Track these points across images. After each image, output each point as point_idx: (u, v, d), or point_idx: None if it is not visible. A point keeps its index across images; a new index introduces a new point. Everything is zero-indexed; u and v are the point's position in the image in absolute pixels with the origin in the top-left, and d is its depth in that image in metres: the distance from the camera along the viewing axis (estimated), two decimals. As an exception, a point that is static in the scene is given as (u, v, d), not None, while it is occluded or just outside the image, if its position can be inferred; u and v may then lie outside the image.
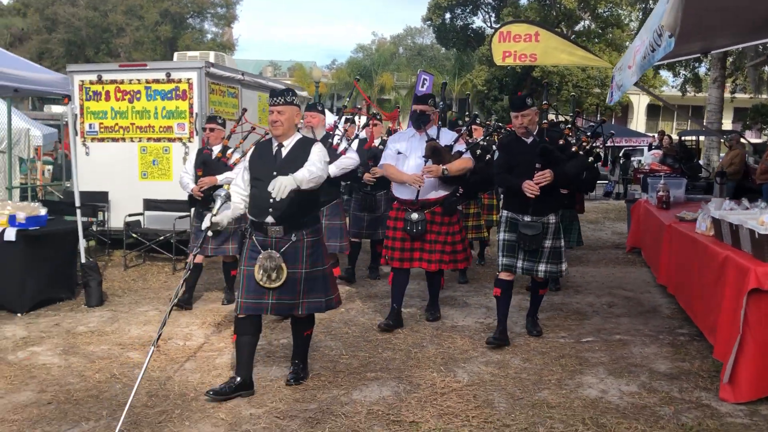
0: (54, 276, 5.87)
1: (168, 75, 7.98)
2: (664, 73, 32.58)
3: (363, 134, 6.61)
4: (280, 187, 3.52)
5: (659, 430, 3.33)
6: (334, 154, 5.62)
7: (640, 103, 37.64)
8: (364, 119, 6.90)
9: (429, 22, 37.97)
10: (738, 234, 4.21)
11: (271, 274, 3.80)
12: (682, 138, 13.89)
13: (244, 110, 6.18)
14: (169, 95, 7.98)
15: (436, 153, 4.92)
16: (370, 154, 6.36)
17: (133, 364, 4.37)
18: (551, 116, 7.13)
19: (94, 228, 7.44)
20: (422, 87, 15.22)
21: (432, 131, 5.13)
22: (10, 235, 5.45)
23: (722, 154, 15.28)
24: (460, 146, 5.19)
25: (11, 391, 3.91)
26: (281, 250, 3.84)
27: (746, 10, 4.92)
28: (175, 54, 12.22)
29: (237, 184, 4.10)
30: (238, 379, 3.85)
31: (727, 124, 23.66)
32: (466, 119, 7.40)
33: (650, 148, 15.56)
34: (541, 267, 4.74)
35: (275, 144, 3.97)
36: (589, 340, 4.95)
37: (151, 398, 3.76)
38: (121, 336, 4.99)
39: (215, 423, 3.47)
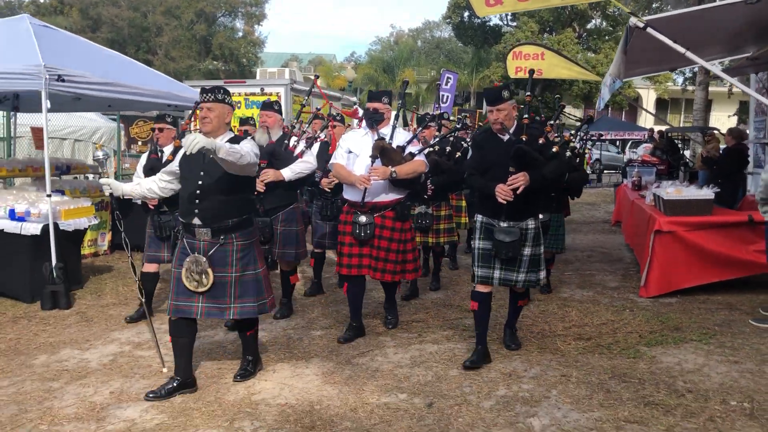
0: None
1: (262, 89, 10.60)
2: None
3: (323, 136, 6.43)
4: (192, 141, 3.37)
5: (598, 307, 5.91)
6: (290, 157, 5.35)
7: (649, 97, 39.82)
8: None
9: (449, 20, 40.49)
10: (659, 200, 6.77)
11: (197, 278, 3.83)
12: (669, 134, 16.28)
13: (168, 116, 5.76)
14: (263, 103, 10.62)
15: (384, 153, 4.65)
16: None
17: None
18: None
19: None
20: (446, 85, 17.62)
21: (386, 130, 4.86)
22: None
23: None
24: (414, 147, 4.90)
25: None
26: (209, 254, 3.85)
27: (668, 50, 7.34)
28: (258, 71, 14.86)
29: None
30: (178, 379, 3.95)
31: (722, 118, 26.18)
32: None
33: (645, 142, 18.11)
34: (520, 277, 4.38)
35: None
36: (568, 273, 7.50)
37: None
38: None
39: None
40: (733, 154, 8.41)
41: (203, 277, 3.82)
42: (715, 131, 14.86)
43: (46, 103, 5.85)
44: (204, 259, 3.82)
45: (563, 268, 7.79)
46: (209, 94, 3.90)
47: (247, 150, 3.78)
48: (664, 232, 6.15)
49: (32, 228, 5.88)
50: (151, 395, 3.85)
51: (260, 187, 5.06)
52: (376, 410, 3.73)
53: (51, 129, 12.13)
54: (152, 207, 5.38)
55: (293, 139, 5.48)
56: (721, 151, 10.85)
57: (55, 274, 5.84)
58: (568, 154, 5.51)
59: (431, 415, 3.65)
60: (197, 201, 3.84)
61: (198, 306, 3.90)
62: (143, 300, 4.69)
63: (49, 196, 5.95)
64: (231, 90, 10.63)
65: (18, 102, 9.02)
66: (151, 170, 5.30)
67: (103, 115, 15.46)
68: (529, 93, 4.50)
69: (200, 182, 3.87)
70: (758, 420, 3.52)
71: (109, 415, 3.67)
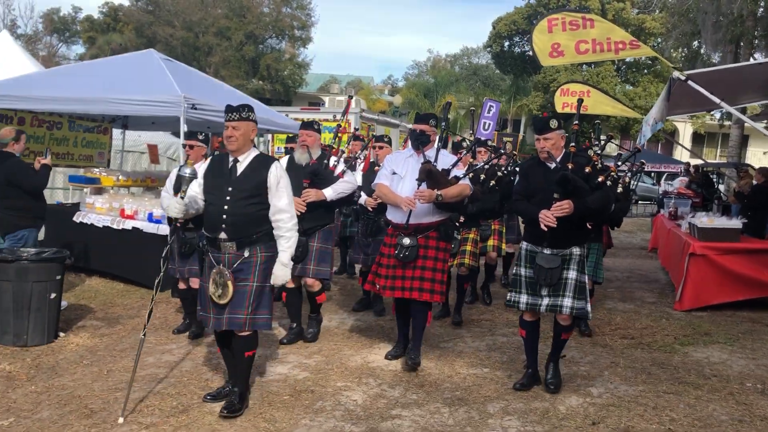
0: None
1: (334, 116, 11.85)
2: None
3: (365, 156, 6.70)
4: (281, 280, 4.00)
5: (639, 316, 6.94)
6: (331, 177, 5.42)
7: (686, 131, 40.50)
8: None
9: (489, 48, 41.78)
10: (694, 228, 7.79)
11: (219, 290, 3.89)
12: (704, 168, 17.18)
13: (208, 133, 5.99)
14: (335, 129, 11.86)
15: (431, 176, 4.66)
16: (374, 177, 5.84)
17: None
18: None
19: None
20: (488, 113, 18.74)
21: (430, 153, 4.93)
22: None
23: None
24: (459, 171, 4.92)
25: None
26: (234, 266, 3.91)
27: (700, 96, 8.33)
28: (326, 99, 16.21)
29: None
30: (231, 386, 4.12)
31: (759, 153, 27.03)
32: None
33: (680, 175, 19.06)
34: (566, 302, 4.34)
35: (231, 159, 4.01)
36: (611, 290, 8.52)
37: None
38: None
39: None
40: (762, 190, 9.38)
41: (224, 288, 3.88)
42: (749, 168, 15.74)
43: (183, 127, 7.09)
44: (227, 271, 3.89)
45: (606, 285, 8.79)
46: (234, 113, 3.94)
47: (295, 231, 4.04)
48: (697, 255, 7.18)
49: (167, 229, 7.09)
50: (209, 397, 4.17)
51: (301, 208, 5.11)
52: (467, 378, 4.83)
53: (131, 144, 13.56)
54: (179, 224, 4.90)
55: (332, 159, 5.55)
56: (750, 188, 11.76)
57: (184, 268, 7.04)
58: (610, 183, 5.15)
59: (512, 382, 4.72)
60: (224, 216, 3.90)
61: (224, 318, 3.94)
62: (146, 323, 4.30)
63: (182, 203, 7.17)
64: (306, 116, 12.00)
65: (127, 121, 10.42)
66: (179, 189, 5.44)
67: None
68: (576, 122, 4.64)
69: (228, 197, 3.93)
70: (767, 396, 4.55)
71: (267, 371, 4.82)
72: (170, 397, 4.23)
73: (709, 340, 5.99)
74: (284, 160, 5.58)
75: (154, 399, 4.20)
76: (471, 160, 6.19)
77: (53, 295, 5.27)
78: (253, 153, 4.05)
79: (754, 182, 11.43)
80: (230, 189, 3.92)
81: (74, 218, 7.66)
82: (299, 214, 4.91)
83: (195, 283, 5.37)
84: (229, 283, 3.85)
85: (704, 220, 7.53)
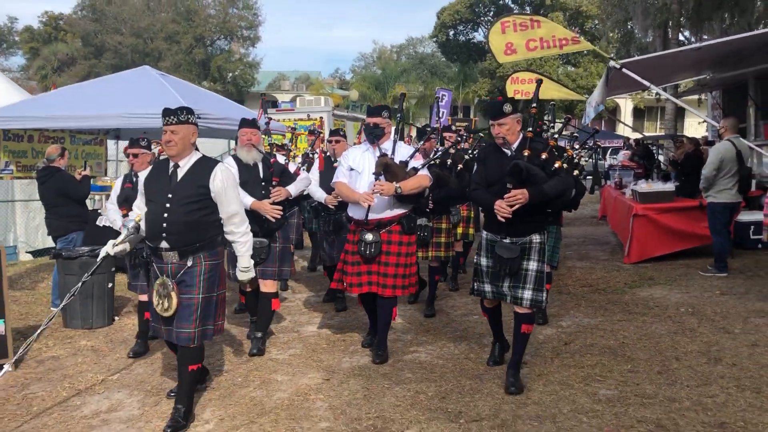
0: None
1: (308, 115, 12.88)
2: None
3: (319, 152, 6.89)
4: (246, 277, 4.05)
5: (594, 270, 8.23)
6: (290, 176, 5.47)
7: (627, 107, 42.60)
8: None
9: (435, 38, 43.05)
10: (636, 194, 9.11)
11: (163, 302, 3.76)
12: (644, 141, 18.73)
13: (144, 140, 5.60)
14: (309, 127, 12.88)
15: (388, 170, 4.64)
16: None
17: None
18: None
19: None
20: (442, 101, 19.88)
21: (387, 145, 4.88)
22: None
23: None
24: (417, 162, 4.87)
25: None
26: (177, 276, 3.77)
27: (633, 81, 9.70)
28: (297, 99, 17.16)
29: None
30: (175, 404, 3.92)
31: (694, 124, 29.06)
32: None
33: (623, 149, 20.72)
34: (527, 294, 4.25)
35: (171, 164, 3.86)
36: (569, 252, 9.81)
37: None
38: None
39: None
40: (691, 157, 10.77)
41: (167, 300, 3.76)
42: (684, 138, 17.29)
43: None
44: (170, 282, 3.76)
45: (565, 249, 10.09)
46: (172, 117, 3.77)
47: (248, 233, 4.06)
48: (639, 215, 8.50)
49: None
50: (169, 430, 3.79)
51: (277, 213, 5.14)
52: (463, 322, 6.01)
53: (111, 153, 14.34)
54: (277, 218, 5.18)
55: (280, 157, 5.61)
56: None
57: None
58: (567, 167, 4.82)
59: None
60: (164, 224, 3.75)
61: (172, 330, 3.85)
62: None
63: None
64: (282, 116, 13.02)
65: (120, 132, 11.29)
66: (125, 200, 5.12)
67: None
68: (534, 105, 4.45)
69: (167, 205, 3.78)
70: (696, 316, 5.87)
71: (301, 331, 5.91)
72: (231, 353, 5.28)
73: (652, 282, 7.30)
74: (229, 161, 5.30)
75: (219, 355, 5.25)
76: (438, 146, 6.29)
77: (110, 285, 6.24)
78: (194, 157, 3.91)
79: (687, 151, 12.89)
80: (170, 196, 3.80)
81: (98, 222, 8.52)
82: (274, 218, 5.13)
83: (143, 297, 5.27)
84: (173, 294, 3.74)
85: (644, 186, 8.86)
